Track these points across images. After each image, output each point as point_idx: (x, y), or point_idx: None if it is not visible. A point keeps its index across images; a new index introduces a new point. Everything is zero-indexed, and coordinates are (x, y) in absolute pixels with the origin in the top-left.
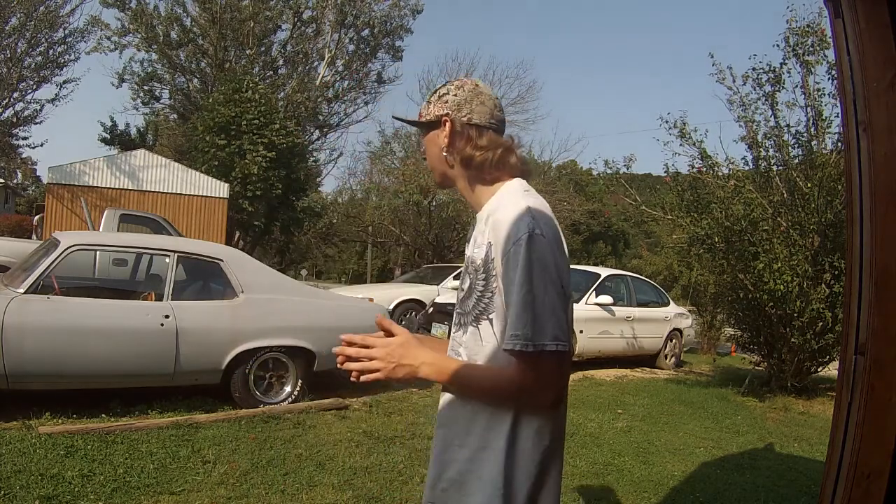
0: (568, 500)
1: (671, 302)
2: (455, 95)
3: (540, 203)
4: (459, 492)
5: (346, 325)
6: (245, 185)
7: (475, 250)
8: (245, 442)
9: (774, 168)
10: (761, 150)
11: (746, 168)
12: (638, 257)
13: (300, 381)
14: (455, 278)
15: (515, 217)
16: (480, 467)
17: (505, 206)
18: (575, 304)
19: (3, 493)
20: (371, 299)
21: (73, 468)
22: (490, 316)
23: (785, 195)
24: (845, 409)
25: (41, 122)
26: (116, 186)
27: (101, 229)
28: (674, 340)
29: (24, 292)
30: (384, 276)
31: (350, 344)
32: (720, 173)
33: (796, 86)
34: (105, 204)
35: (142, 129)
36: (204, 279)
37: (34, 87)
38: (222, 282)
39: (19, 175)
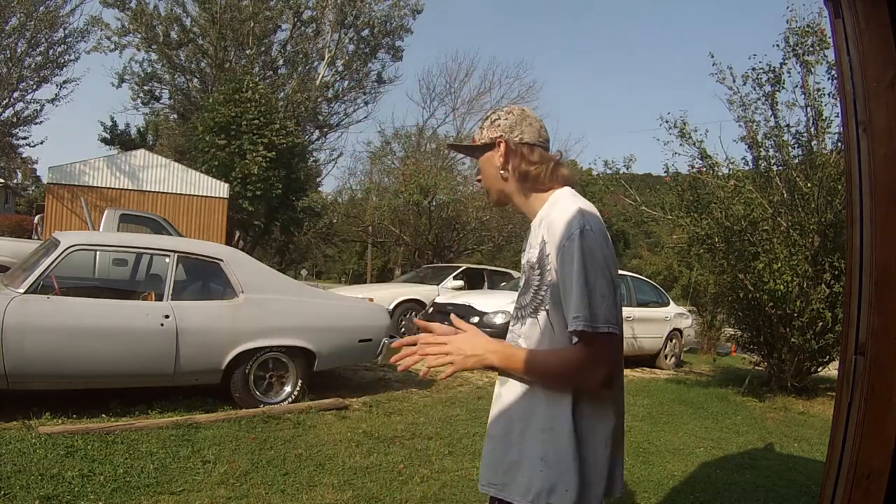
0: None
1: (671, 302)
2: (506, 119)
3: (587, 205)
4: (521, 472)
5: (346, 325)
6: (245, 185)
7: (530, 251)
8: (245, 442)
9: (774, 168)
10: (761, 150)
11: (746, 168)
12: (638, 257)
13: (300, 381)
14: (455, 278)
15: (568, 216)
16: (544, 448)
17: (557, 209)
18: None
19: (3, 493)
20: (371, 299)
21: (73, 468)
22: (546, 307)
23: (785, 195)
24: (845, 409)
25: (41, 122)
26: (116, 186)
27: (101, 229)
28: (674, 340)
29: (24, 292)
30: (384, 276)
31: (427, 331)
32: (720, 173)
33: (796, 86)
34: (105, 204)
35: (142, 129)
36: (204, 279)
37: (34, 87)
38: (222, 282)
39: (19, 175)
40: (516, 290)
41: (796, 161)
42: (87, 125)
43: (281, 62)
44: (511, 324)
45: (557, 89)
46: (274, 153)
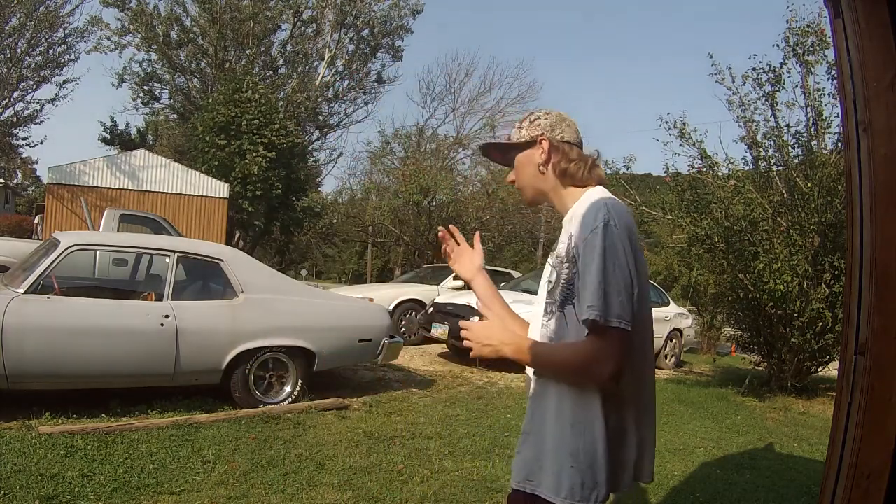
0: None
1: (671, 302)
2: (546, 119)
3: (616, 201)
4: (553, 468)
5: (346, 324)
6: (245, 185)
7: (559, 246)
8: (245, 442)
9: (774, 168)
10: (761, 150)
11: (746, 168)
12: None
13: (300, 381)
14: (455, 278)
15: (594, 210)
16: (574, 444)
17: (586, 204)
18: None
19: (3, 493)
20: (371, 299)
21: (73, 468)
22: (573, 301)
23: (785, 195)
24: (845, 409)
25: (41, 121)
26: (116, 186)
27: (101, 229)
28: (674, 340)
29: (24, 292)
30: (384, 276)
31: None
32: (720, 173)
33: (796, 86)
34: (105, 204)
35: (142, 129)
36: (204, 279)
37: (34, 87)
38: (222, 282)
39: (19, 175)
40: (516, 290)
41: (796, 161)
42: (87, 125)
43: (281, 62)
44: (542, 318)
45: (557, 89)
46: (274, 153)
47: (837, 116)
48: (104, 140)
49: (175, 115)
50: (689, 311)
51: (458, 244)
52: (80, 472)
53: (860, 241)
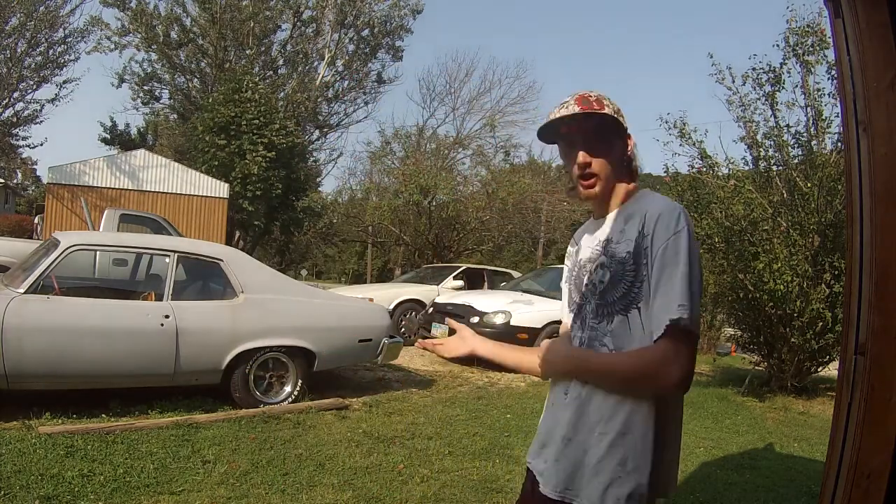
0: None
1: None
2: (619, 108)
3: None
4: (599, 477)
5: (346, 324)
6: (245, 185)
7: (617, 245)
8: (245, 442)
9: (774, 168)
10: (761, 150)
11: (746, 168)
12: None
13: (300, 381)
14: (455, 278)
15: (673, 212)
16: (623, 453)
17: (656, 204)
18: None
19: (3, 493)
20: (371, 299)
21: (73, 468)
22: (639, 304)
23: (785, 195)
24: (845, 409)
25: (41, 122)
26: (116, 186)
27: (101, 229)
28: None
29: (24, 292)
30: (384, 276)
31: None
32: (720, 173)
33: (796, 86)
34: (105, 204)
35: (142, 129)
36: (204, 279)
37: (34, 87)
38: (222, 282)
39: (19, 175)
40: (516, 290)
41: (796, 161)
42: (87, 125)
43: (281, 62)
44: (591, 319)
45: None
46: (274, 153)
47: (837, 116)
48: (104, 140)
49: (175, 115)
50: None
51: (438, 343)
52: (80, 472)
53: (860, 240)
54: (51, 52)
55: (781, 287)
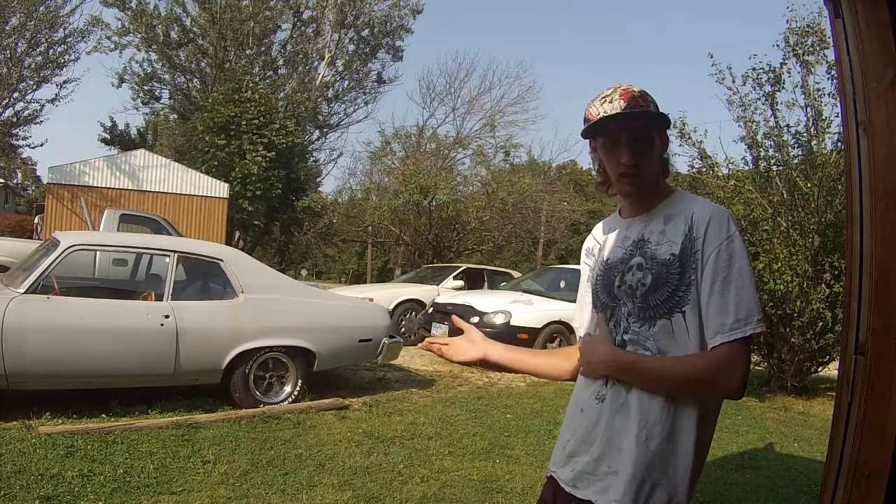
0: None
1: None
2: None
3: None
4: (644, 485)
5: (346, 324)
6: (245, 185)
7: (657, 246)
8: (245, 442)
9: (774, 168)
10: (761, 150)
11: (746, 168)
12: None
13: (300, 381)
14: (455, 278)
15: (723, 216)
16: (668, 459)
17: (706, 207)
18: (575, 304)
19: (3, 493)
20: (371, 299)
21: (73, 468)
22: (684, 308)
23: (785, 195)
24: (845, 409)
25: (41, 122)
26: (116, 186)
27: (101, 229)
28: None
29: (25, 292)
30: (384, 276)
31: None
32: (720, 173)
33: (796, 86)
34: (105, 204)
35: (142, 129)
36: (204, 279)
37: (34, 87)
38: (222, 282)
39: (19, 175)
40: (516, 290)
41: (796, 161)
42: (87, 125)
43: (281, 62)
44: (632, 323)
45: (557, 89)
46: (274, 153)
47: (837, 116)
48: (104, 140)
49: (175, 115)
50: None
51: (444, 343)
52: (80, 472)
53: (860, 240)
54: (51, 52)
55: (781, 287)
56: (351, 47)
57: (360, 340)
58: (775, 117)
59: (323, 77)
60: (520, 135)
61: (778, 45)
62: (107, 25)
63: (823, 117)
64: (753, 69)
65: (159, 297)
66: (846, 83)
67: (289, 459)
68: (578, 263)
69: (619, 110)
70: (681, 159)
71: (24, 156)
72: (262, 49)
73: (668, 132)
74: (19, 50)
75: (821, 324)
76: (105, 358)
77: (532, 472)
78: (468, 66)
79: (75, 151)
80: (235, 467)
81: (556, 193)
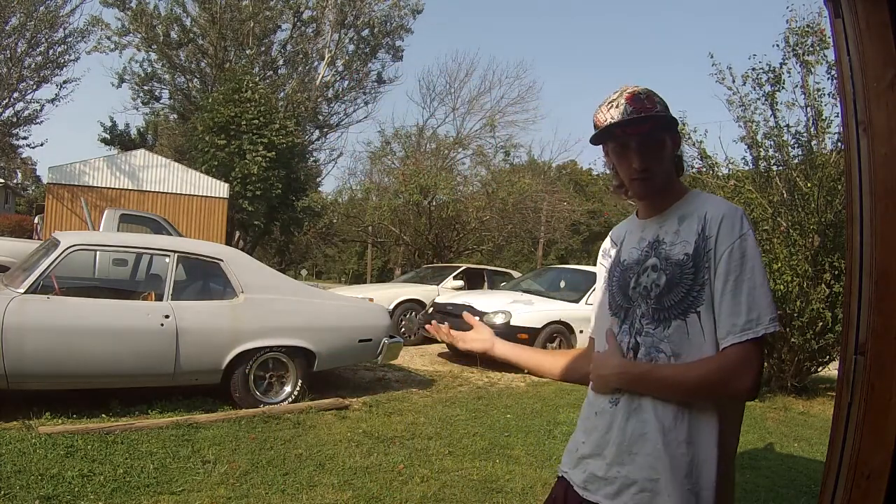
0: None
1: None
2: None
3: None
4: (666, 490)
5: (346, 324)
6: (245, 185)
7: (671, 247)
8: (245, 442)
9: (774, 168)
10: (761, 150)
11: (746, 168)
12: None
13: (300, 381)
14: (455, 278)
15: (736, 215)
16: (689, 463)
17: (719, 205)
18: (575, 304)
19: (3, 493)
20: (371, 299)
21: (73, 468)
22: (698, 308)
23: (785, 195)
24: (845, 409)
25: (41, 122)
26: (116, 186)
27: (101, 229)
28: None
29: (25, 292)
30: (384, 276)
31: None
32: (720, 173)
33: (796, 86)
34: (105, 204)
35: (142, 129)
36: (204, 279)
37: (34, 87)
38: (222, 282)
39: (19, 175)
40: (516, 290)
41: (796, 161)
42: (87, 125)
43: (281, 62)
44: (646, 325)
45: (557, 89)
46: (274, 153)
47: (837, 116)
48: (104, 140)
49: (175, 115)
50: None
51: (449, 332)
52: (80, 472)
53: (860, 240)
54: (51, 52)
55: (781, 287)
56: (351, 47)
57: (360, 340)
58: (775, 117)
59: (323, 77)
60: (520, 135)
61: (778, 45)
62: (107, 25)
63: (823, 117)
64: (753, 69)
65: (159, 297)
66: (846, 83)
67: (289, 459)
68: (578, 263)
69: (625, 115)
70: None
71: (24, 156)
72: (262, 49)
73: None
74: (19, 50)
75: (821, 324)
76: (105, 358)
77: (532, 472)
78: (468, 66)
79: (75, 151)
80: (235, 467)
81: (556, 193)
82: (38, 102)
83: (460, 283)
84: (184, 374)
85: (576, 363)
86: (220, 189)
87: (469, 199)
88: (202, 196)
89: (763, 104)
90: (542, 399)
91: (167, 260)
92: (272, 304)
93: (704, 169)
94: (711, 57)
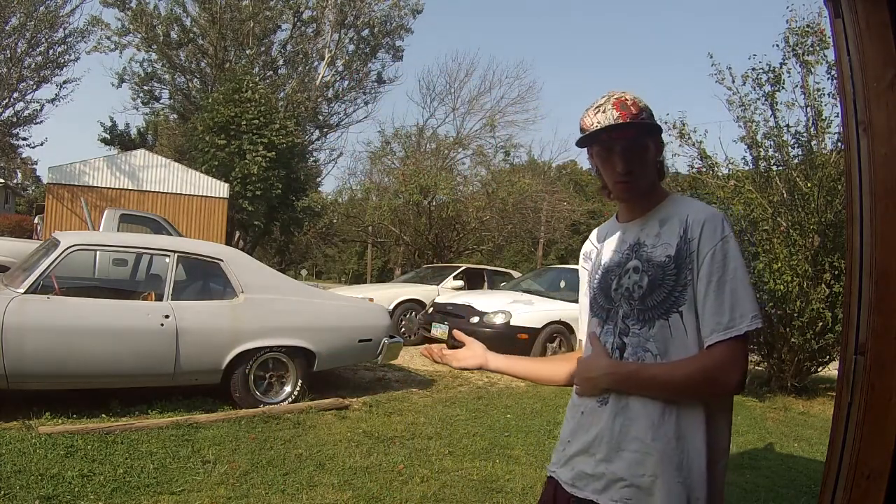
0: None
1: None
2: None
3: None
4: (657, 485)
5: (346, 324)
6: (245, 185)
7: (653, 249)
8: (245, 442)
9: (774, 168)
10: (761, 150)
11: (746, 168)
12: None
13: (300, 381)
14: (455, 278)
15: (717, 217)
16: (679, 458)
17: (695, 208)
18: (575, 304)
19: (3, 493)
20: (371, 299)
21: (73, 468)
22: (680, 308)
23: (785, 195)
24: (845, 409)
25: (41, 122)
26: (116, 186)
27: (101, 229)
28: None
29: (25, 292)
30: (384, 276)
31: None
32: (720, 173)
33: (796, 86)
34: (105, 204)
35: (142, 129)
36: (204, 279)
37: (34, 87)
38: (222, 282)
39: (19, 175)
40: (516, 290)
41: (796, 161)
42: (87, 125)
43: (281, 62)
44: (633, 325)
45: (557, 89)
46: (274, 153)
47: (837, 116)
48: (104, 140)
49: (175, 115)
50: None
51: (442, 353)
52: (80, 472)
53: (860, 240)
54: (51, 52)
55: (781, 287)
56: (351, 47)
57: (360, 340)
58: (775, 117)
59: (323, 77)
60: (520, 135)
61: (778, 46)
62: (107, 25)
63: (823, 117)
64: (753, 69)
65: (159, 297)
66: (846, 83)
67: (289, 459)
68: (578, 264)
69: (611, 121)
70: (681, 159)
71: (24, 156)
72: (262, 49)
73: (669, 133)
74: (19, 50)
75: (821, 324)
76: (105, 358)
77: (532, 472)
78: (468, 66)
79: (75, 151)
80: (235, 467)
81: (556, 193)
82: (38, 102)
83: (460, 283)
84: (184, 374)
85: (569, 366)
86: (220, 189)
87: (469, 199)
88: (202, 196)
89: (763, 104)
90: (542, 399)
91: (167, 260)
92: (272, 304)
93: (704, 169)
94: (711, 57)
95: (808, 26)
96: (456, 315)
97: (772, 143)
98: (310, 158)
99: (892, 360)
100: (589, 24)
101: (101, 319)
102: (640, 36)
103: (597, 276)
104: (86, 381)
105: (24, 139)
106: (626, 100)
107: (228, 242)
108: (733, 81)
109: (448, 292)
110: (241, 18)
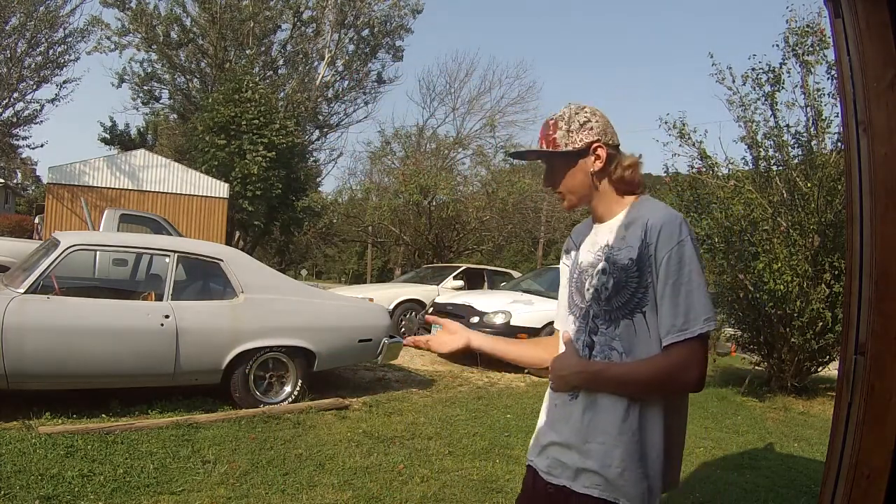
0: None
1: None
2: (597, 122)
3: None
4: (623, 476)
5: (346, 324)
6: (245, 185)
7: (618, 251)
8: (245, 442)
9: (774, 168)
10: (761, 150)
11: (746, 168)
12: None
13: (300, 381)
14: (455, 278)
15: (675, 221)
16: (640, 449)
17: (658, 212)
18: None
19: (3, 493)
20: (371, 299)
21: (73, 468)
22: (644, 309)
23: (785, 195)
24: (845, 409)
25: (41, 122)
26: (116, 186)
27: (101, 229)
28: None
29: (25, 292)
30: (384, 276)
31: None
32: (720, 173)
33: (796, 86)
34: (105, 204)
35: (142, 129)
36: (204, 279)
37: (34, 87)
38: (222, 282)
39: (19, 175)
40: (516, 290)
41: (796, 161)
42: (87, 125)
43: (281, 62)
44: (601, 325)
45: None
46: (274, 153)
47: (837, 116)
48: (104, 140)
49: (175, 115)
50: None
51: (429, 338)
52: (80, 472)
53: (860, 240)
54: (51, 52)
55: (781, 287)
56: (351, 47)
57: (360, 340)
58: (775, 117)
59: (323, 77)
60: (520, 135)
61: (778, 46)
62: (107, 25)
63: (823, 117)
64: (753, 69)
65: (159, 297)
66: (846, 83)
67: (289, 459)
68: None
69: (535, 145)
70: (681, 159)
71: (24, 156)
72: (262, 49)
73: (668, 133)
74: (19, 50)
75: (821, 324)
76: (105, 358)
77: None
78: (468, 67)
79: (75, 151)
80: (235, 467)
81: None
82: (38, 102)
83: (460, 283)
84: (184, 374)
85: (551, 351)
86: (220, 189)
87: (469, 199)
88: (202, 196)
89: (763, 104)
90: (542, 399)
91: (167, 260)
92: (272, 304)
93: (704, 169)
94: (711, 57)
95: (808, 26)
96: (456, 315)
97: (772, 143)
98: (310, 158)
99: (892, 360)
100: (589, 24)
101: (101, 319)
102: (640, 36)
103: (574, 275)
104: (86, 381)
105: (24, 139)
106: (550, 122)
107: (228, 242)
108: (733, 81)
109: (448, 292)
110: (241, 18)
